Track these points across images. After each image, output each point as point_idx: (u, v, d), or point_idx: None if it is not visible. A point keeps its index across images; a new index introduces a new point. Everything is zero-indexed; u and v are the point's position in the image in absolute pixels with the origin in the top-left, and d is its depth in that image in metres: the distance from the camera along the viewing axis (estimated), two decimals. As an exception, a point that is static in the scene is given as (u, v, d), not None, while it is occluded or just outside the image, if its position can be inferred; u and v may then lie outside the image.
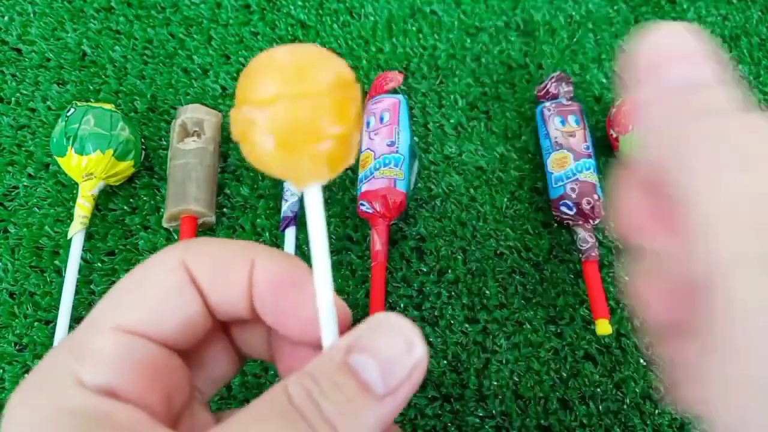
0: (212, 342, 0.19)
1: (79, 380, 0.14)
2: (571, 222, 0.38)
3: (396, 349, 0.14)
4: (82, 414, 0.14)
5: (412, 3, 0.47)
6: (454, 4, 0.47)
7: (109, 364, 0.14)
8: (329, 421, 0.13)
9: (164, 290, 0.16)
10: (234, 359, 0.19)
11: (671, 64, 0.14)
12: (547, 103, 0.41)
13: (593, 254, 0.36)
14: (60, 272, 0.36)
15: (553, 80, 0.41)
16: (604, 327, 0.34)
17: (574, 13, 0.48)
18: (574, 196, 0.37)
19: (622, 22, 0.47)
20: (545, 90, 0.41)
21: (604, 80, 0.45)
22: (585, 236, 0.37)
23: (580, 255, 0.37)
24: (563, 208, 0.38)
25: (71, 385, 0.14)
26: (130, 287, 0.16)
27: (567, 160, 0.38)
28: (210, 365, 0.19)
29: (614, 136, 0.40)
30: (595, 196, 0.37)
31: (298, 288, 0.17)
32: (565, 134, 0.39)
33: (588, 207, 0.37)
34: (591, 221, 0.37)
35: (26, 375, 0.33)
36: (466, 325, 0.36)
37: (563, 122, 0.40)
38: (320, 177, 0.16)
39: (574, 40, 0.46)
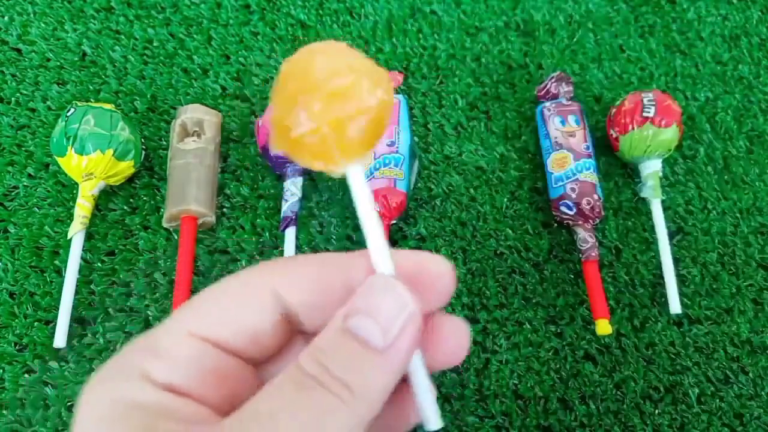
0: (291, 347, 0.19)
1: (148, 377, 0.15)
2: (571, 222, 0.38)
3: (389, 306, 0.16)
4: (149, 407, 0.14)
5: (412, 3, 0.47)
6: (454, 4, 0.47)
7: (180, 365, 0.15)
8: (339, 378, 0.15)
9: (244, 310, 0.17)
10: None
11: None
12: (547, 103, 0.41)
13: (593, 254, 0.36)
14: (60, 272, 0.36)
15: (553, 80, 0.41)
16: (604, 327, 0.34)
17: (574, 13, 0.48)
18: (574, 196, 0.37)
19: (622, 22, 0.47)
20: (545, 90, 0.41)
21: (604, 80, 0.45)
22: (585, 236, 0.37)
23: (580, 255, 0.37)
24: (563, 208, 0.38)
25: (140, 380, 0.15)
26: (213, 298, 0.17)
27: (567, 160, 0.38)
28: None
29: (614, 136, 0.40)
30: (595, 196, 0.37)
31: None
32: (565, 134, 0.39)
33: (588, 207, 0.37)
34: (591, 221, 0.37)
35: (26, 375, 0.34)
36: (466, 325, 0.36)
37: (563, 122, 0.40)
38: (364, 153, 0.17)
39: (574, 40, 0.46)
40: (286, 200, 0.37)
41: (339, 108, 0.16)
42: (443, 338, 0.18)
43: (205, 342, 0.16)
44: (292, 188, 0.38)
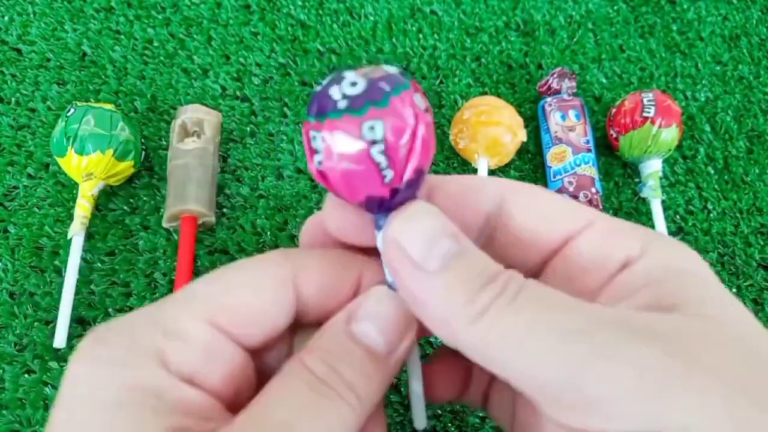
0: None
1: (164, 361, 0.14)
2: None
3: (392, 315, 0.16)
4: (167, 398, 0.14)
5: (412, 3, 0.47)
6: (454, 4, 0.47)
7: (197, 354, 0.15)
8: (350, 385, 0.15)
9: (267, 303, 0.16)
10: None
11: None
12: (549, 99, 0.41)
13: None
14: (60, 272, 0.36)
15: (554, 76, 0.41)
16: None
17: (574, 13, 0.48)
18: (571, 189, 0.37)
19: (622, 22, 0.47)
20: (547, 86, 0.41)
21: (604, 80, 0.45)
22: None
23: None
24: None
25: (157, 365, 0.14)
26: (237, 285, 0.16)
27: (566, 154, 0.38)
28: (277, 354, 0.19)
29: (614, 136, 0.40)
30: (593, 189, 0.37)
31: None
32: (564, 129, 0.39)
33: (585, 200, 0.37)
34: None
35: (26, 375, 0.34)
36: (466, 325, 0.36)
37: (563, 117, 0.40)
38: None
39: (574, 40, 0.46)
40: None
41: None
42: None
43: (222, 332, 0.15)
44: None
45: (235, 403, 0.16)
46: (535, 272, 0.18)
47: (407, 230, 0.15)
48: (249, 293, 0.16)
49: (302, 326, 0.19)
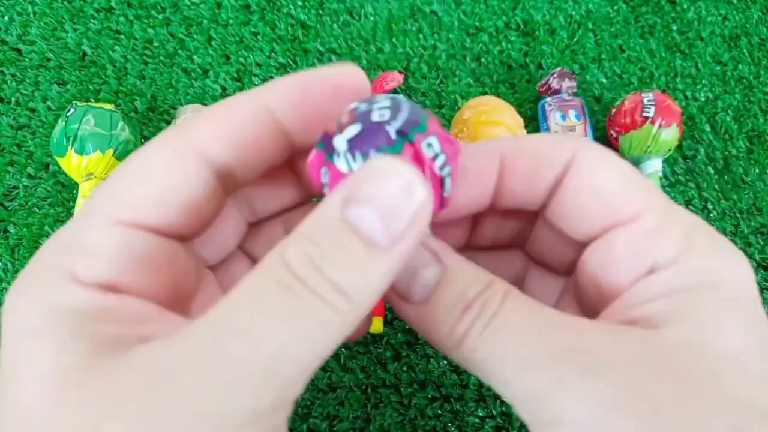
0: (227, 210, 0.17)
1: (74, 276, 0.13)
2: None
3: (395, 195, 0.13)
4: (78, 311, 0.13)
5: (412, 3, 0.47)
6: (454, 4, 0.47)
7: (109, 259, 0.13)
8: (336, 283, 0.12)
9: (168, 180, 0.14)
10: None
11: None
12: (549, 99, 0.41)
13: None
14: (60, 272, 0.36)
15: (554, 75, 0.41)
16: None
17: (574, 13, 0.48)
18: None
19: (622, 22, 0.47)
20: (546, 85, 0.41)
21: (604, 80, 0.45)
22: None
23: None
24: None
25: (66, 281, 0.13)
26: (130, 174, 0.14)
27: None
28: (220, 235, 0.17)
29: (614, 136, 0.40)
30: None
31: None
32: (565, 129, 0.39)
33: None
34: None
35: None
36: (466, 325, 0.36)
37: (564, 117, 0.40)
38: None
39: (574, 40, 0.46)
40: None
41: None
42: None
43: (132, 228, 0.14)
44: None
45: (181, 303, 0.15)
46: (575, 249, 0.17)
47: None
48: (143, 177, 0.14)
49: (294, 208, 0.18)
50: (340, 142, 0.14)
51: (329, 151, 0.14)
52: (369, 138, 0.14)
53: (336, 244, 0.12)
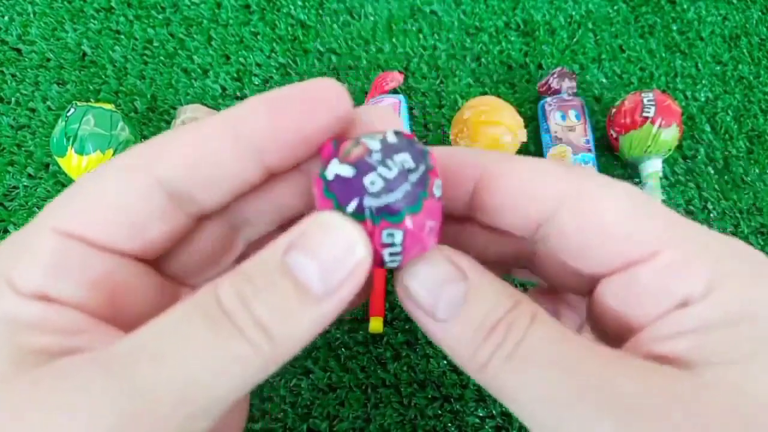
0: (201, 232, 0.17)
1: (10, 284, 0.13)
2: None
3: (337, 250, 0.13)
4: (12, 319, 0.13)
5: (412, 3, 0.47)
6: (454, 4, 0.47)
7: (42, 266, 0.13)
8: (261, 323, 0.12)
9: (114, 195, 0.14)
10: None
11: None
12: (549, 98, 0.41)
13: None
14: (60, 272, 0.36)
15: (554, 76, 0.41)
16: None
17: (574, 13, 0.48)
18: None
19: (622, 22, 0.47)
20: (547, 85, 0.41)
21: (604, 80, 0.45)
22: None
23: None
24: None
25: (3, 288, 0.13)
26: (81, 189, 0.14)
27: (565, 154, 0.38)
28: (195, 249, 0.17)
29: (614, 136, 0.40)
30: None
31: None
32: (564, 129, 0.39)
33: None
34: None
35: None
36: (466, 325, 0.36)
37: (563, 117, 0.40)
38: None
39: (574, 40, 0.46)
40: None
41: None
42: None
43: (73, 238, 0.14)
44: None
45: (120, 316, 0.15)
46: (588, 282, 0.16)
47: (416, 279, 0.15)
48: (91, 191, 0.14)
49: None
50: (329, 171, 0.14)
51: (322, 170, 0.14)
52: (347, 191, 0.14)
53: (270, 285, 0.13)
